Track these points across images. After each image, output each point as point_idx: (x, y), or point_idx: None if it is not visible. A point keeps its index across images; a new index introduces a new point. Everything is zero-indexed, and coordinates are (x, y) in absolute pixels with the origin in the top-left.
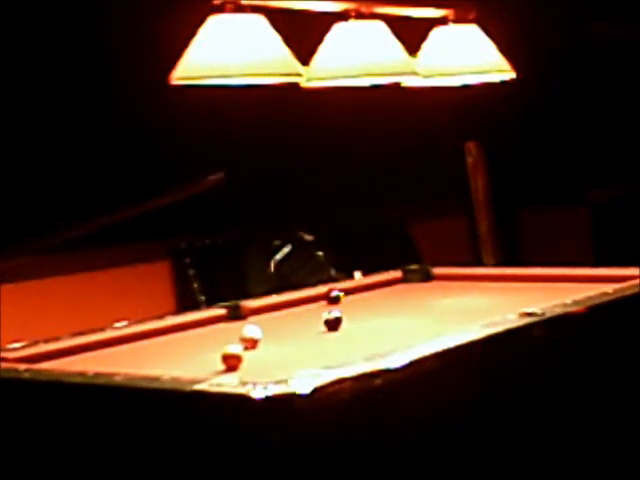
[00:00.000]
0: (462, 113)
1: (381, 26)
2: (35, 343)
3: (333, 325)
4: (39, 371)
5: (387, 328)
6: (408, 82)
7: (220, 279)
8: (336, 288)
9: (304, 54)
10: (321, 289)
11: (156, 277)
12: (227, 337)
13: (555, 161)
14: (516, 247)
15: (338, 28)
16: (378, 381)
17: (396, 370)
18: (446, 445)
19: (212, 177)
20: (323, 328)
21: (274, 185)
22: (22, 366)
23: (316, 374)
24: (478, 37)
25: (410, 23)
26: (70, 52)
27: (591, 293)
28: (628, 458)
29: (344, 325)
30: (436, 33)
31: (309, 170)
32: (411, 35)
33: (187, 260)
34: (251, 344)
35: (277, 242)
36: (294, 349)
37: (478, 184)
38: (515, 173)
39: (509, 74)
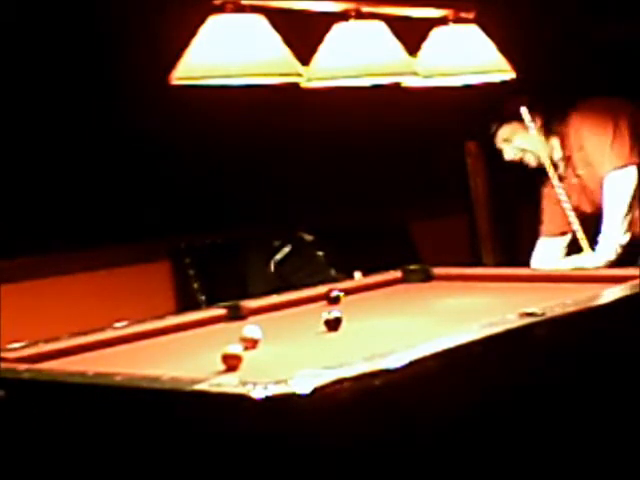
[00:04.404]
0: (462, 113)
1: (381, 26)
2: (35, 343)
3: (333, 325)
4: (39, 371)
5: (387, 328)
6: (408, 82)
7: (220, 279)
8: (336, 288)
9: (304, 54)
10: (321, 289)
11: (156, 277)
12: (227, 337)
13: None
14: (516, 247)
15: (338, 28)
16: (378, 381)
17: (396, 370)
18: (446, 445)
19: None
20: (323, 328)
21: (274, 185)
22: (22, 366)
23: (316, 374)
24: (478, 37)
25: (410, 23)
26: (69, 52)
27: (591, 293)
28: (628, 458)
29: (344, 325)
30: (436, 33)
31: (309, 170)
32: (411, 35)
33: (187, 260)
34: (251, 344)
35: (277, 242)
36: (294, 349)
37: (478, 184)
38: (515, 173)
39: (509, 74)
